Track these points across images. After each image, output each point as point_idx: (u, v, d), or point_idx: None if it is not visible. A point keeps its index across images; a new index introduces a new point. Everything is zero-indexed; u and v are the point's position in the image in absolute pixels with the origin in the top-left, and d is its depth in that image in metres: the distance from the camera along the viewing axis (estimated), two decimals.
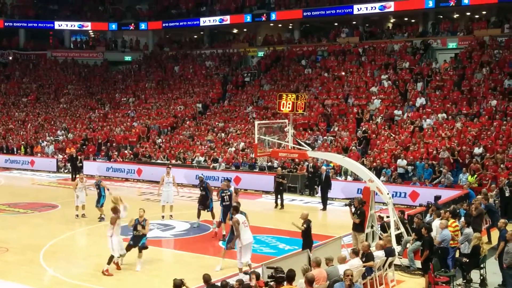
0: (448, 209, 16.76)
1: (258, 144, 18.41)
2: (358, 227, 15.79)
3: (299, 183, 28.58)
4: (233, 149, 33.61)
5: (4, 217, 22.63)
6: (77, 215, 22.33)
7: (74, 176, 33.26)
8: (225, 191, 18.86)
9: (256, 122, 19.23)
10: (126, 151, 36.96)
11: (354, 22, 44.86)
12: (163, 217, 21.94)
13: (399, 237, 15.93)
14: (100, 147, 38.82)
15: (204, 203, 19.98)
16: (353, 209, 15.88)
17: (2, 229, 20.12)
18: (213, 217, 19.89)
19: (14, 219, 22.34)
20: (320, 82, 38.57)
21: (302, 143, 19.18)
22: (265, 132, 18.79)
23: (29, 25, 54.95)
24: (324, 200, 24.70)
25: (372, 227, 16.03)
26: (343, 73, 38.62)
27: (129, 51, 55.11)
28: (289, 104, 17.88)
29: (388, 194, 15.99)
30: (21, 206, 24.87)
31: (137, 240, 15.51)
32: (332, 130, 33.24)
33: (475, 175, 24.59)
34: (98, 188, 21.88)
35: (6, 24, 54.06)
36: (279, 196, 24.94)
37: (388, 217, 16.23)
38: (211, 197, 20.14)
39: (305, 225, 14.71)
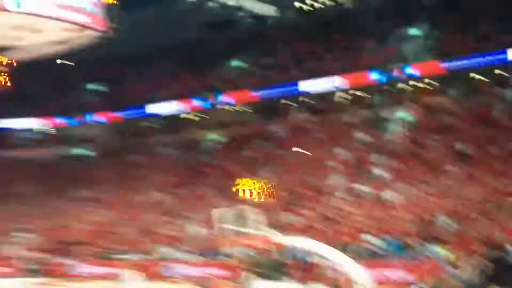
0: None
1: (219, 234, 18.09)
2: None
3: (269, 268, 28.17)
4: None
5: None
6: None
7: None
8: None
9: (213, 212, 18.92)
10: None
11: (304, 99, 45.29)
12: None
13: None
14: (60, 246, 37.68)
15: None
16: None
17: None
18: None
19: None
20: (276, 161, 38.73)
21: (265, 229, 18.97)
22: (227, 219, 18.52)
23: None
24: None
25: None
26: (297, 150, 38.83)
27: (80, 144, 54.46)
28: (248, 189, 17.83)
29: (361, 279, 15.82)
30: None
31: None
32: (294, 208, 33.10)
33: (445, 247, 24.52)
34: None
35: None
36: None
37: None
38: None
39: None
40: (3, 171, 51.76)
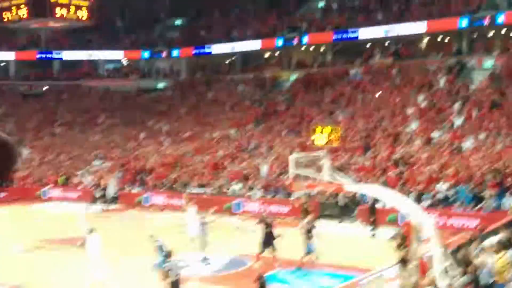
0: (492, 238, 16.07)
1: (292, 177, 18.14)
2: (404, 262, 15.32)
3: (337, 210, 28.11)
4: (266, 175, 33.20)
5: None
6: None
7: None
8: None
9: (290, 157, 18.83)
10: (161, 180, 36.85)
11: (387, 43, 44.20)
12: None
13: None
14: (136, 176, 38.68)
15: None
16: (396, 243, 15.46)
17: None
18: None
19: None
20: (355, 105, 38.11)
21: (339, 175, 18.75)
22: (301, 163, 18.37)
23: (63, 55, 55.89)
24: (374, 225, 24.25)
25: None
26: (378, 95, 38.10)
27: (162, 78, 55.43)
28: (324, 136, 17.56)
29: (431, 228, 15.38)
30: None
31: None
32: (368, 153, 32.67)
33: None
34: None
35: (39, 55, 55.07)
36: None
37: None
38: None
39: None
40: (87, 101, 53.35)
